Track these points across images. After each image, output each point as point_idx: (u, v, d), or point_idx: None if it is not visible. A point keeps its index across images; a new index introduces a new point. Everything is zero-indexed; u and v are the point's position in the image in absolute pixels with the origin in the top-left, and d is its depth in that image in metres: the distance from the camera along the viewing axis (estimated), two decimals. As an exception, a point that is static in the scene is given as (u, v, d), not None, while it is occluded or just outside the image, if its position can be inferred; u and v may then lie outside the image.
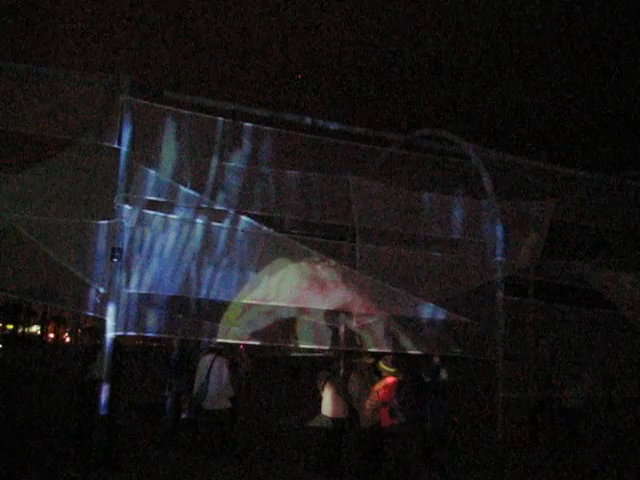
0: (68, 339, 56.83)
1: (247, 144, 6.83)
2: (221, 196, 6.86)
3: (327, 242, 7.34)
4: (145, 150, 6.27)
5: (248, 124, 6.72)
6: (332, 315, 7.51)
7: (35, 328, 63.83)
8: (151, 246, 6.05)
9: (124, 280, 5.74)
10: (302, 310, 7.18)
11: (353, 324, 7.70)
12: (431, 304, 6.97)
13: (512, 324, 6.91)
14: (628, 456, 10.03)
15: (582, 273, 8.14)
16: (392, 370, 7.53)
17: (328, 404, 7.88)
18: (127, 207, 5.80)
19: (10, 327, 55.91)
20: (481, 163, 7.04)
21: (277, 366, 24.15)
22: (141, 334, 6.22)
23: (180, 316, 6.57)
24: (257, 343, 7.64)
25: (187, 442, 9.17)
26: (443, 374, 8.45)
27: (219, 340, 7.30)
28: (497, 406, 6.68)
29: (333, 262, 6.93)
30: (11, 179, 6.59)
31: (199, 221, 6.34)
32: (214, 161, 6.83)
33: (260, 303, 6.68)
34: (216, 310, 6.67)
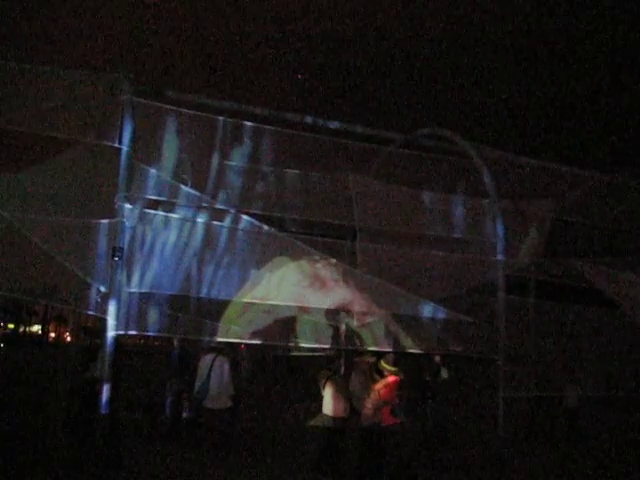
0: (69, 339, 56.81)
1: (248, 143, 6.83)
2: (222, 195, 6.85)
3: (328, 241, 7.33)
4: (146, 149, 6.26)
5: (249, 123, 6.72)
6: (333, 314, 7.50)
7: (36, 328, 63.81)
8: (152, 245, 6.05)
9: (125, 279, 5.73)
10: (303, 309, 7.17)
11: (354, 323, 7.69)
12: (432, 303, 6.96)
13: (513, 323, 6.91)
14: (628, 456, 10.02)
15: (583, 272, 8.12)
16: (393, 369, 7.53)
17: (329, 403, 7.88)
18: (128, 206, 5.79)
19: (11, 327, 55.97)
20: (482, 162, 7.04)
21: (277, 365, 24.14)
22: (142, 333, 6.23)
23: (181, 315, 6.58)
24: (258, 342, 7.64)
25: (188, 441, 9.18)
26: (444, 373, 8.45)
27: (220, 339, 7.30)
28: (497, 405, 6.68)
29: (334, 261, 6.93)
30: (12, 179, 6.58)
31: (200, 220, 6.34)
32: (215, 160, 6.82)
33: (261, 302, 6.67)
34: (217, 309, 6.67)
